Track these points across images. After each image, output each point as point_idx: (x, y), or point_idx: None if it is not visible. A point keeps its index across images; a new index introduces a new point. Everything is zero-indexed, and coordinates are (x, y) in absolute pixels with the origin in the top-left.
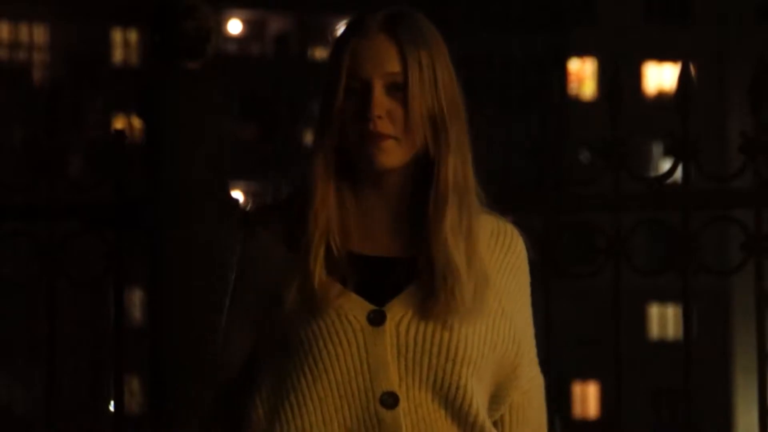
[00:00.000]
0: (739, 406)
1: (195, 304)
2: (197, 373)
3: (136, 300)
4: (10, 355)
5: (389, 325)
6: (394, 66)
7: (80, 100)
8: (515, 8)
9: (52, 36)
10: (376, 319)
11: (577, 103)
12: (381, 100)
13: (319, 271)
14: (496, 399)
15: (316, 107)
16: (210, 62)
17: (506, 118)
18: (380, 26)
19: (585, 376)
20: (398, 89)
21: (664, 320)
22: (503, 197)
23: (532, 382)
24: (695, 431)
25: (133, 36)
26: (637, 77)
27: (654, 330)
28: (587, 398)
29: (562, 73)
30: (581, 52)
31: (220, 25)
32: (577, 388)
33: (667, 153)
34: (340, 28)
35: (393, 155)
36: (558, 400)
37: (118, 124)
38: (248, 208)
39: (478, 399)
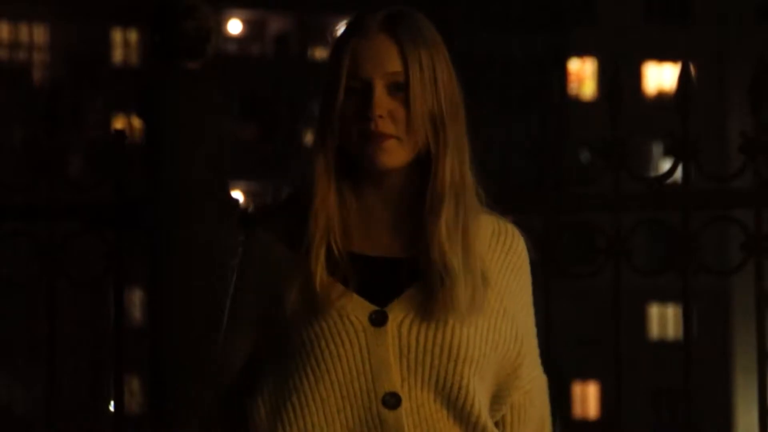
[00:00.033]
0: (739, 406)
1: (195, 304)
2: (197, 373)
3: (136, 300)
4: (10, 355)
5: (391, 325)
6: (395, 66)
7: (80, 100)
8: (515, 8)
9: (52, 36)
10: (378, 320)
11: (577, 103)
12: (382, 100)
13: (320, 272)
14: (497, 399)
15: (316, 107)
16: (210, 62)
17: (506, 118)
18: (380, 26)
19: (585, 376)
20: (399, 89)
21: (664, 320)
22: (503, 197)
23: (533, 382)
24: (695, 431)
25: (133, 36)
26: (637, 77)
27: (654, 330)
28: (587, 398)
29: (562, 73)
30: (581, 52)
31: (220, 25)
32: (577, 388)
33: (667, 153)
34: (340, 29)
35: (395, 155)
36: (558, 400)
37: (118, 124)
38: (249, 208)
39: (480, 399)
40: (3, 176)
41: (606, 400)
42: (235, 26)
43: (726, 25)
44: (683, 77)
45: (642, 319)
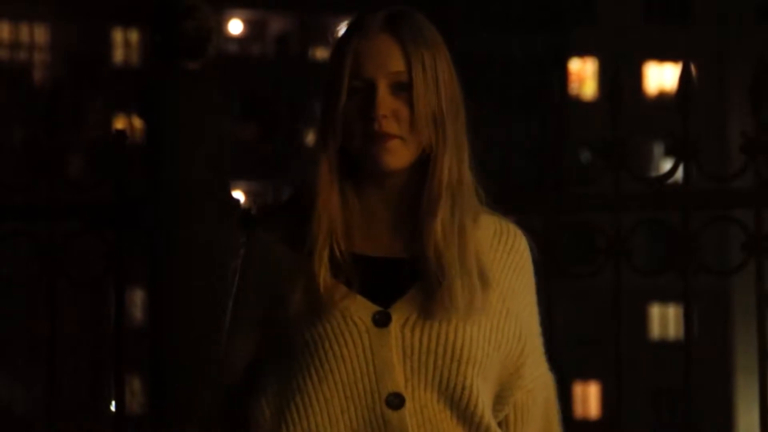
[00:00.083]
0: (739, 406)
1: (195, 304)
2: (197, 373)
3: (136, 300)
4: (10, 355)
5: (394, 326)
6: (398, 65)
7: (80, 100)
8: (515, 8)
9: (53, 36)
10: (381, 321)
11: (577, 103)
12: (385, 100)
13: (324, 274)
14: (500, 399)
15: (316, 107)
16: (210, 62)
17: (506, 118)
18: (382, 26)
19: (585, 376)
20: (402, 89)
21: (664, 320)
22: (503, 197)
23: (536, 381)
24: (695, 431)
25: (133, 36)
26: (637, 77)
27: (655, 330)
28: (588, 398)
29: (562, 73)
30: (581, 52)
31: (221, 25)
32: (577, 388)
33: (667, 153)
34: (341, 29)
35: (398, 156)
36: (559, 400)
37: (118, 124)
38: (250, 209)
39: (484, 399)
40: (3, 176)
41: (607, 400)
42: (235, 26)
43: (726, 25)
44: (684, 77)
45: (642, 319)
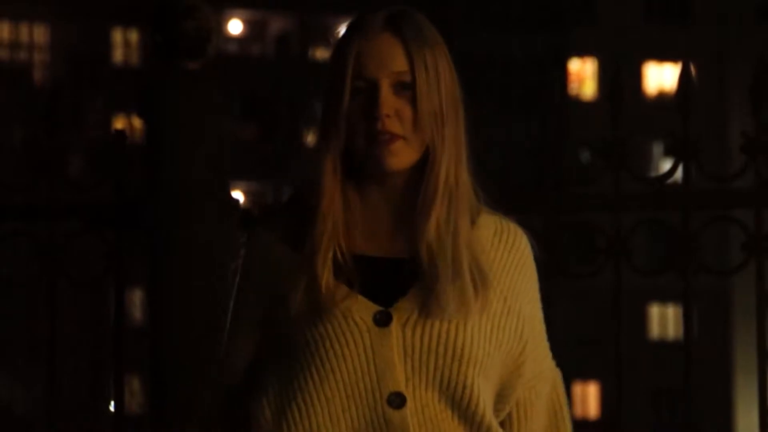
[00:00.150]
0: (739, 406)
1: (195, 304)
2: (197, 373)
3: (136, 300)
4: (10, 355)
5: (395, 325)
6: (401, 65)
7: (80, 100)
8: (515, 8)
9: (53, 36)
10: (382, 320)
11: (577, 103)
12: (389, 99)
13: (327, 276)
14: (501, 398)
15: (317, 107)
16: (210, 62)
17: (506, 118)
18: (383, 26)
19: (585, 376)
20: (405, 88)
21: (664, 320)
22: (503, 197)
23: (539, 377)
24: (695, 431)
25: (133, 36)
26: (637, 77)
27: (654, 330)
28: (588, 398)
29: (562, 73)
30: (581, 52)
31: (221, 25)
32: (577, 388)
33: (667, 153)
34: (341, 30)
35: (402, 156)
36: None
37: (118, 124)
38: (251, 209)
39: (485, 398)
40: (3, 176)
41: (606, 400)
42: (235, 26)
43: (726, 25)
44: (684, 77)
45: (642, 319)
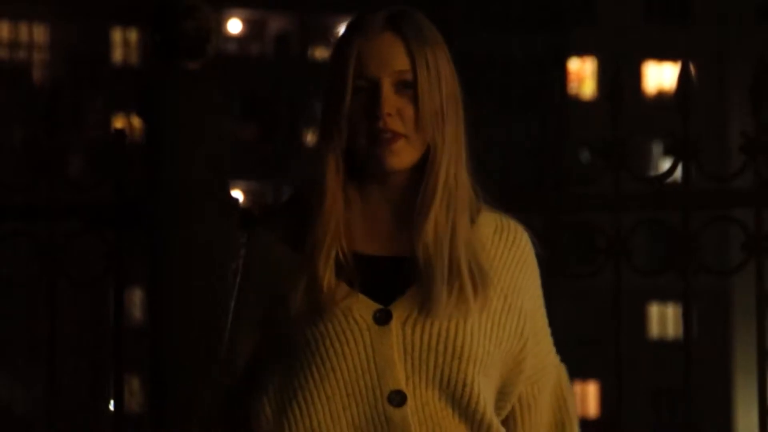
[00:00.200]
0: (739, 406)
1: (195, 304)
2: (197, 373)
3: (136, 300)
4: (10, 355)
5: (395, 323)
6: (403, 64)
7: (80, 100)
8: (515, 8)
9: (52, 36)
10: (382, 318)
11: (577, 102)
12: (390, 98)
13: (329, 275)
14: (503, 395)
15: (316, 107)
16: (210, 62)
17: (506, 118)
18: (384, 25)
19: (585, 376)
20: (406, 87)
21: (664, 320)
22: (503, 197)
23: (542, 372)
24: (695, 431)
25: (133, 36)
26: (637, 77)
27: (654, 330)
28: (587, 398)
29: (562, 73)
30: (581, 52)
31: (220, 24)
32: (577, 388)
33: (667, 152)
34: (341, 30)
35: (403, 156)
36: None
37: (118, 124)
38: (250, 209)
39: (485, 396)
40: (3, 176)
41: (606, 399)
42: (235, 26)
43: (726, 25)
44: (683, 77)
45: (642, 319)
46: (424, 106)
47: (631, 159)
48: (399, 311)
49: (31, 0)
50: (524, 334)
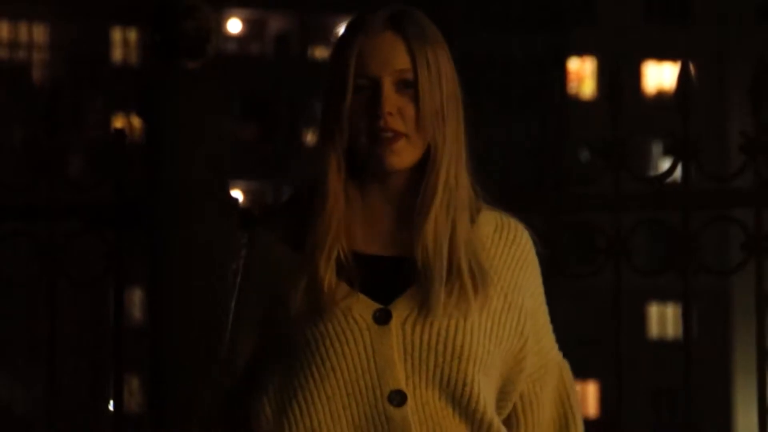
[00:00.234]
0: (739, 406)
1: (195, 304)
2: (197, 373)
3: (136, 300)
4: (10, 355)
5: (395, 323)
6: (404, 63)
7: (80, 100)
8: (515, 8)
9: (52, 35)
10: (382, 318)
11: (577, 102)
12: (391, 97)
13: (330, 275)
14: (504, 394)
15: (316, 107)
16: (210, 62)
17: (506, 118)
18: (384, 24)
19: (585, 376)
20: (407, 86)
21: (663, 320)
22: (503, 197)
23: (543, 369)
24: (695, 431)
25: (133, 36)
26: (637, 77)
27: (654, 330)
28: (587, 398)
29: (562, 73)
30: (581, 52)
31: (220, 24)
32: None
33: (667, 152)
34: (341, 29)
35: (404, 156)
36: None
37: (118, 124)
38: (250, 209)
39: (486, 395)
40: (3, 176)
41: (606, 399)
42: (235, 25)
43: (726, 25)
44: (683, 76)
45: (642, 319)
46: (424, 106)
47: (631, 159)
48: (399, 311)
49: (31, 0)
50: (525, 333)
